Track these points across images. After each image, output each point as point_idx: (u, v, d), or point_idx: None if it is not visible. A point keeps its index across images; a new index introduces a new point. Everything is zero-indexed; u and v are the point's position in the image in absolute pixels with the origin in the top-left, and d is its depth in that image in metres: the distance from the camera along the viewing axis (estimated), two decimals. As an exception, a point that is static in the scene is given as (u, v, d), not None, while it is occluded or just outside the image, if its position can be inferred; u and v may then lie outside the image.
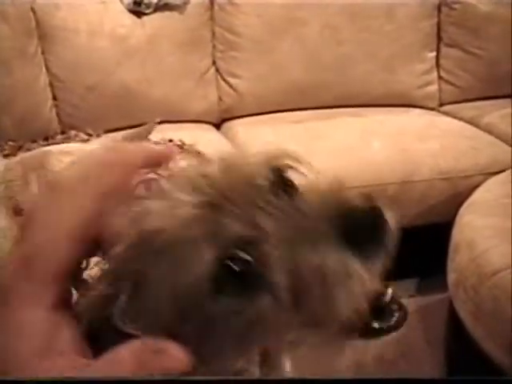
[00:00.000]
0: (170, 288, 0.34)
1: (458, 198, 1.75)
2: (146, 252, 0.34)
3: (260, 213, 0.34)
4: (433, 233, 1.74)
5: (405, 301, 1.37)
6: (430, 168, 1.88)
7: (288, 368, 0.43)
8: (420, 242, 1.92)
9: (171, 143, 1.78)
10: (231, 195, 0.34)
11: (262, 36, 2.10)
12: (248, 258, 0.33)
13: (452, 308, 1.61)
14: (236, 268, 0.33)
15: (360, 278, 0.34)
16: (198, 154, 0.54)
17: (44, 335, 0.34)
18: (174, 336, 0.33)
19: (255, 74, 2.11)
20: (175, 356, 0.32)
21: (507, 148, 2.03)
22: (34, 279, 0.34)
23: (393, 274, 1.43)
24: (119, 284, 0.34)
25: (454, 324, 1.63)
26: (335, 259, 0.33)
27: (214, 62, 2.16)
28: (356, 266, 0.34)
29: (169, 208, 0.34)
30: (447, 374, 1.72)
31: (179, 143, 1.72)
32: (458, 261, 1.50)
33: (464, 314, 1.47)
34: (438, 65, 2.38)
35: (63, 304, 0.35)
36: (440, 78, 2.38)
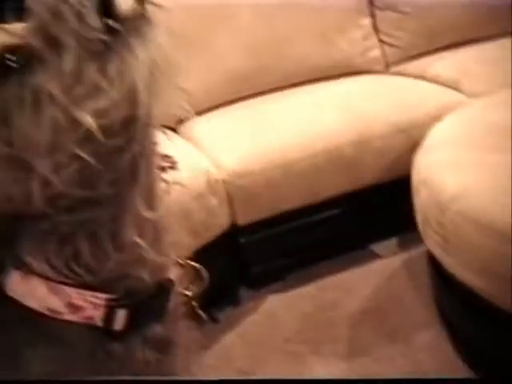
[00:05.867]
0: None
1: (415, 149, 1.77)
2: None
3: None
4: (403, 188, 1.75)
5: (390, 259, 1.39)
6: (382, 124, 1.92)
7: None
8: (393, 200, 1.96)
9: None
10: None
11: (196, 33, 2.10)
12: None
13: (431, 255, 1.64)
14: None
15: None
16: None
17: None
18: None
19: (195, 70, 2.13)
20: None
21: (455, 93, 2.09)
22: None
23: (375, 236, 1.45)
24: None
25: (435, 267, 1.66)
26: None
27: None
28: None
29: None
30: (438, 317, 1.75)
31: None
32: (419, 200, 1.53)
33: (435, 250, 1.50)
34: (376, 29, 2.43)
35: None
36: (381, 41, 2.43)
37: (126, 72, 0.40)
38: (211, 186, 1.70)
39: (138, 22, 0.42)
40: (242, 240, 1.84)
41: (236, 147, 1.85)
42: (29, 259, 0.43)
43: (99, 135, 0.39)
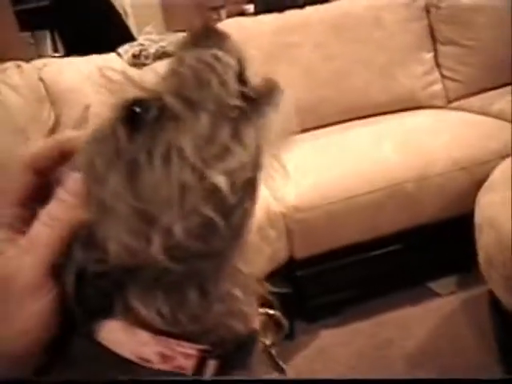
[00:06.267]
0: None
1: (477, 186, 1.74)
2: None
3: None
4: (463, 226, 1.72)
5: (448, 298, 1.36)
6: (444, 160, 1.89)
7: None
8: (453, 237, 1.93)
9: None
10: None
11: (258, 65, 2.14)
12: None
13: (493, 295, 1.60)
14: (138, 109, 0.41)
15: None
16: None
17: None
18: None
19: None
20: None
21: (521, 130, 2.04)
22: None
23: (434, 274, 1.42)
24: None
25: (498, 311, 1.61)
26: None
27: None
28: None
29: None
30: (499, 361, 1.69)
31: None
32: (483, 240, 1.50)
33: (499, 291, 1.46)
34: (438, 64, 2.43)
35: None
36: (443, 76, 2.42)
37: (256, 137, 0.41)
38: (270, 218, 1.71)
39: (269, 90, 0.43)
40: (299, 273, 1.84)
41: (296, 180, 1.86)
42: (137, 305, 0.43)
43: (227, 194, 0.40)
